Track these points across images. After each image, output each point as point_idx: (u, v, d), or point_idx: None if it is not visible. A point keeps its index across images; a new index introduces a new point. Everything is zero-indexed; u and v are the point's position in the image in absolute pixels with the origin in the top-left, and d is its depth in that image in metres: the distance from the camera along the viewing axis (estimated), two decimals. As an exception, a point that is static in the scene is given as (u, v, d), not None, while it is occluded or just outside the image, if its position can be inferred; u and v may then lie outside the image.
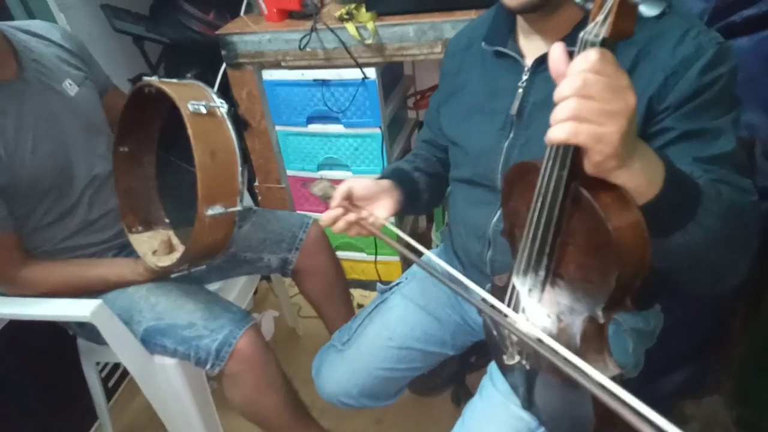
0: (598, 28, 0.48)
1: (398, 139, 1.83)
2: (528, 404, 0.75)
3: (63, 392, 1.46)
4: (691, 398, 1.38)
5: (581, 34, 0.50)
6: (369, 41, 1.40)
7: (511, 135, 0.84)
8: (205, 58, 1.65)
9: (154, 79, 0.99)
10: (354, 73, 1.48)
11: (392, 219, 1.70)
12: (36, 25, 1.15)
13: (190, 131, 0.88)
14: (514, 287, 0.68)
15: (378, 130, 1.57)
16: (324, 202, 0.86)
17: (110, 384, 1.62)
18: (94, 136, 1.15)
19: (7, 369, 1.34)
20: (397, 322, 1.06)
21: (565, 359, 0.50)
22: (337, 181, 0.87)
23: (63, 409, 1.49)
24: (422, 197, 1.01)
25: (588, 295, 0.58)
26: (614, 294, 0.55)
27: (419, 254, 0.75)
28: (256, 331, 1.11)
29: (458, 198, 1.00)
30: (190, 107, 0.91)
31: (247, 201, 1.63)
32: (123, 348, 1.08)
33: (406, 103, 1.96)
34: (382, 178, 0.95)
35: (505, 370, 0.84)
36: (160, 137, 1.17)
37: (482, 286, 0.67)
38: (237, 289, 1.37)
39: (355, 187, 0.85)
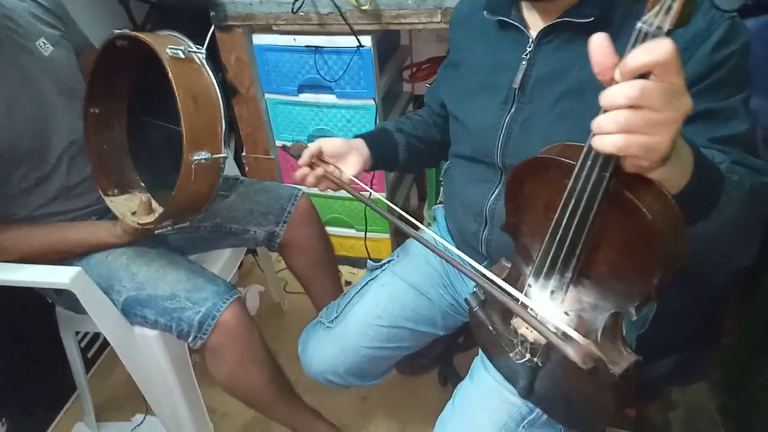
0: (660, 18, 0.43)
1: (392, 112, 1.78)
2: (527, 394, 0.72)
3: (41, 362, 1.42)
4: (677, 385, 1.39)
5: (638, 25, 0.44)
6: (365, 7, 1.34)
7: (512, 109, 0.81)
8: (192, 20, 1.57)
9: (127, 31, 0.93)
10: (349, 41, 1.42)
11: (381, 195, 1.67)
12: None
13: (170, 74, 0.84)
14: (528, 287, 0.66)
15: (372, 102, 1.52)
16: (298, 160, 0.91)
17: (89, 354, 1.59)
18: (71, 100, 1.08)
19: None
20: (387, 300, 1.03)
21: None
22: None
23: (41, 379, 1.45)
24: (399, 158, 1.01)
25: (620, 293, 0.57)
26: (652, 291, 0.53)
27: (413, 227, 0.74)
28: (241, 305, 1.07)
29: (456, 174, 0.97)
30: (169, 51, 0.87)
31: (234, 171, 1.58)
32: (103, 318, 1.04)
33: (402, 75, 1.90)
34: (358, 136, 0.97)
35: (500, 366, 0.83)
36: (133, 97, 1.11)
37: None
38: (221, 261, 1.33)
39: (324, 145, 0.90)
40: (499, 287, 0.61)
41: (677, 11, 0.42)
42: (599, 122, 0.46)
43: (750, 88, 0.68)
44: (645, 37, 0.44)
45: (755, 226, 0.65)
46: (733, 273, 1.15)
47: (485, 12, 0.83)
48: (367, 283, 1.08)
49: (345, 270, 1.90)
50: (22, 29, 1.03)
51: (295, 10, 1.40)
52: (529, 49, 0.78)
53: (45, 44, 1.05)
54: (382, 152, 0.98)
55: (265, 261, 1.66)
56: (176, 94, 0.84)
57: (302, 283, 1.41)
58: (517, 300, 0.60)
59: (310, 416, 1.26)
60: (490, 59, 0.85)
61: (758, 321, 1.20)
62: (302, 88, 1.56)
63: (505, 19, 0.80)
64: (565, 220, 0.56)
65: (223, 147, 0.93)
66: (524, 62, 0.78)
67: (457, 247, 1.01)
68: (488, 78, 0.84)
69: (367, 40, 1.42)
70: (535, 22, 0.78)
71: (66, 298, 1.10)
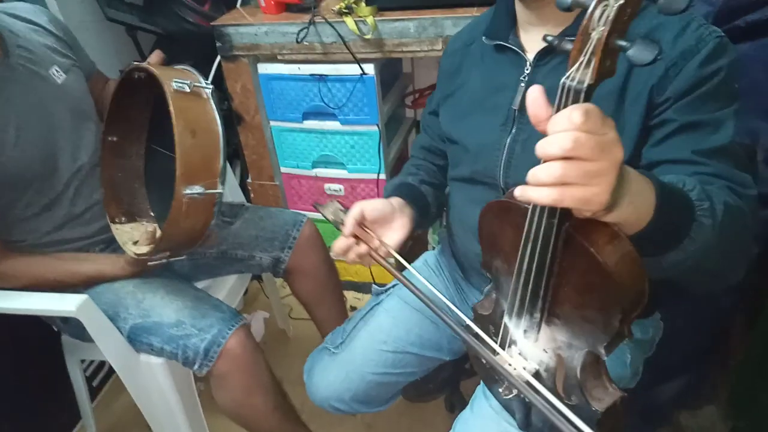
0: (581, 73, 0.45)
1: (396, 137, 1.80)
2: (525, 425, 0.72)
3: (46, 390, 1.42)
4: (687, 408, 1.36)
5: (563, 80, 0.46)
6: (368, 36, 1.37)
7: (513, 130, 0.82)
8: (199, 50, 1.61)
9: (143, 64, 0.95)
10: (352, 69, 1.45)
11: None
12: (22, 7, 1.11)
13: (171, 107, 0.85)
14: (505, 325, 0.66)
15: (375, 128, 1.54)
16: (337, 227, 0.84)
17: (95, 383, 1.58)
18: (81, 124, 1.11)
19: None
20: (392, 325, 1.03)
21: (554, 407, 0.50)
22: (334, 180, 0.85)
23: (45, 407, 1.44)
24: (431, 211, 0.98)
25: (588, 333, 0.57)
26: (619, 330, 0.53)
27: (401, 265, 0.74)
28: (246, 331, 1.08)
29: (457, 198, 0.98)
30: (174, 85, 0.89)
31: (240, 197, 1.59)
32: (108, 345, 1.04)
33: (405, 101, 1.93)
34: (389, 196, 0.91)
35: (497, 395, 0.82)
36: (150, 128, 1.13)
37: (481, 291, 0.65)
38: (227, 288, 1.33)
39: (366, 210, 0.82)
40: (475, 336, 0.61)
41: (595, 67, 0.44)
42: (534, 173, 0.46)
43: (738, 103, 0.69)
44: (569, 92, 0.45)
45: (741, 244, 0.65)
46: (739, 291, 1.15)
47: (484, 37, 0.86)
48: (372, 308, 1.08)
49: (350, 295, 1.89)
50: (37, 57, 1.05)
51: (299, 40, 1.43)
52: (527, 71, 0.80)
53: (58, 72, 1.08)
54: (420, 207, 0.93)
55: (270, 287, 1.66)
56: (174, 127, 0.85)
57: (307, 309, 1.41)
58: (493, 349, 0.61)
59: (315, 443, 1.25)
60: (489, 82, 0.86)
61: (765, 340, 1.19)
62: (306, 116, 1.59)
63: (503, 43, 0.82)
64: (526, 262, 0.56)
65: (219, 184, 0.92)
66: (522, 84, 0.80)
67: (462, 270, 1.02)
68: (487, 100, 0.86)
69: (370, 68, 1.44)
70: (531, 45, 0.80)
71: (72, 325, 1.10)
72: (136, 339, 1.05)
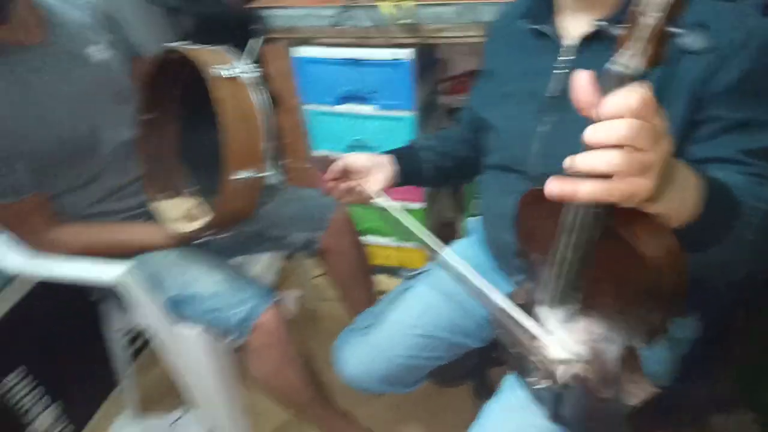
0: (632, 59, 0.43)
1: (429, 124, 1.80)
2: (555, 418, 0.72)
3: (90, 352, 1.48)
4: (720, 412, 1.34)
5: (610, 66, 0.44)
6: (405, 21, 1.37)
7: (547, 119, 0.81)
8: (237, 33, 1.64)
9: (177, 45, 0.98)
10: (388, 54, 1.46)
11: (419, 205, 1.69)
12: None
13: (213, 94, 0.87)
14: (540, 316, 0.66)
15: (410, 114, 1.55)
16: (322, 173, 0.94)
17: (133, 349, 1.62)
18: (121, 103, 1.15)
19: (30, 329, 1.37)
20: (422, 309, 1.04)
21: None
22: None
23: (89, 368, 1.51)
24: (425, 174, 1.03)
25: (625, 327, 0.56)
26: (655, 327, 0.53)
27: (436, 250, 0.75)
28: (279, 308, 1.11)
29: (489, 186, 0.98)
30: (215, 70, 0.90)
31: (276, 177, 1.62)
32: (147, 314, 1.09)
33: (440, 88, 1.93)
34: (383, 154, 0.99)
35: (527, 386, 0.82)
36: (186, 105, 1.16)
37: (514, 280, 0.65)
38: (261, 265, 1.37)
39: (348, 161, 0.93)
40: (513, 318, 0.61)
41: (649, 53, 0.42)
42: (580, 161, 0.43)
43: None
44: (620, 78, 0.43)
45: None
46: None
47: (520, 21, 0.85)
48: (402, 292, 1.09)
49: (380, 279, 1.91)
50: (77, 36, 1.09)
51: (335, 24, 1.44)
52: (564, 58, 0.79)
53: (98, 50, 1.11)
54: (408, 169, 1.00)
55: (302, 267, 1.70)
56: (219, 114, 0.87)
57: (338, 290, 1.44)
58: (529, 332, 0.61)
59: (344, 420, 1.28)
60: (523, 68, 0.86)
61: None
62: (341, 99, 1.60)
63: (539, 28, 0.81)
64: (563, 252, 0.55)
65: (266, 165, 0.96)
66: (560, 71, 0.79)
67: (494, 260, 1.02)
68: (521, 86, 0.85)
69: (406, 53, 1.45)
70: (570, 32, 0.79)
71: (113, 293, 1.15)
72: (175, 309, 1.10)
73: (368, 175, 0.94)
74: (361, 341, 1.07)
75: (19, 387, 1.33)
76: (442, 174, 1.06)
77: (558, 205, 0.54)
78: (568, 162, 0.44)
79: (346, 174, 0.93)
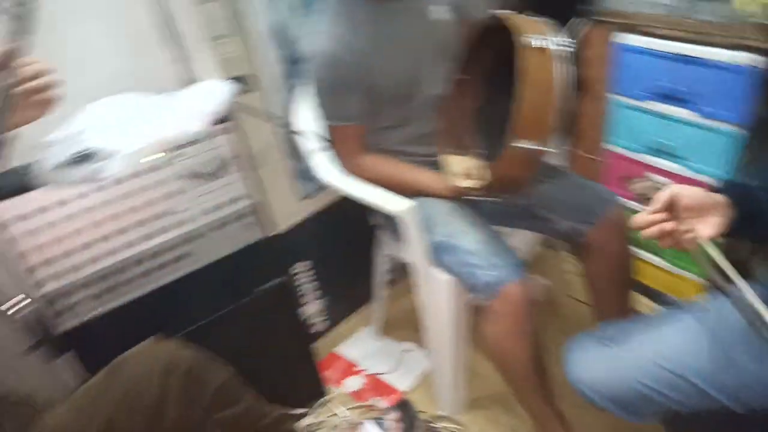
0: None
1: (762, 148, 1.52)
2: None
3: (354, 269, 1.73)
4: None
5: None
6: (759, 20, 1.18)
7: None
8: (566, 11, 1.63)
9: (502, 11, 1.03)
10: (726, 56, 1.27)
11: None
12: None
13: (522, 61, 0.90)
14: None
15: (735, 129, 1.34)
16: (642, 203, 0.81)
17: (390, 277, 1.82)
18: (444, 60, 1.27)
19: (323, 232, 1.66)
20: (680, 344, 0.93)
21: None
22: (663, 172, 0.79)
23: (349, 282, 1.78)
24: (763, 223, 0.84)
25: None
26: None
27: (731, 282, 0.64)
28: (527, 285, 1.13)
29: None
30: (526, 38, 0.93)
31: (559, 157, 1.61)
32: (413, 250, 1.23)
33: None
34: (716, 191, 0.83)
35: None
36: (497, 72, 1.22)
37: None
38: (518, 240, 1.40)
39: (682, 195, 0.78)
40: None
41: None
42: None
43: None
44: None
45: None
46: None
47: None
48: (664, 318, 1.00)
49: (637, 298, 1.76)
50: None
51: (673, 14, 1.32)
52: None
53: (439, 9, 1.26)
54: (746, 212, 0.83)
55: (556, 258, 1.67)
56: (519, 81, 0.90)
57: (590, 292, 1.37)
58: None
59: (555, 416, 1.26)
60: None
61: None
62: (655, 96, 1.48)
63: None
64: None
65: (551, 142, 0.95)
66: None
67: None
68: None
69: (750, 59, 1.24)
70: None
71: (390, 223, 1.33)
72: (436, 253, 1.21)
73: (701, 216, 0.80)
74: (599, 350, 1.02)
75: (302, 275, 1.65)
76: None
77: None
78: None
79: (670, 209, 0.80)
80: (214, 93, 1.07)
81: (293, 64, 1.43)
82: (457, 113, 1.28)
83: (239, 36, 1.31)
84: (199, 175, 1.16)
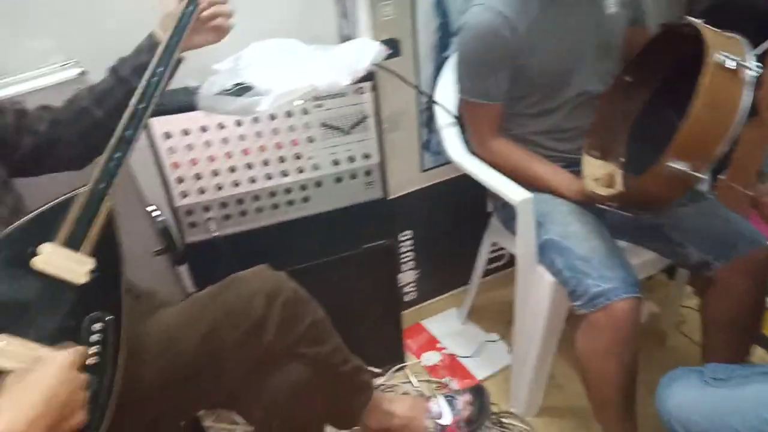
0: None
1: None
2: None
3: (457, 249, 1.73)
4: None
5: None
6: None
7: None
8: (752, 26, 1.46)
9: (697, 21, 0.95)
10: None
11: None
12: None
13: (704, 78, 0.83)
14: None
15: None
16: None
17: (492, 265, 1.82)
18: (602, 57, 1.21)
19: (431, 206, 1.67)
20: None
21: None
22: None
23: (447, 261, 1.79)
24: None
25: None
26: None
27: None
28: (637, 305, 1.07)
29: None
30: (718, 57, 0.85)
31: (706, 184, 1.48)
32: (524, 243, 1.21)
33: None
34: None
35: None
36: (666, 80, 1.14)
37: None
38: (641, 260, 1.31)
39: None
40: None
41: None
42: None
43: None
44: None
45: None
46: None
47: None
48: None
49: (756, 350, 1.59)
50: None
51: None
52: None
53: (612, 4, 1.19)
54: None
55: (676, 289, 1.55)
56: (696, 97, 0.83)
57: (704, 330, 1.26)
58: None
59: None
60: None
61: None
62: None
63: None
64: None
65: (707, 168, 0.88)
66: None
67: None
68: None
69: None
70: None
71: (504, 212, 1.31)
72: (545, 251, 1.18)
73: None
74: (701, 387, 0.95)
75: (405, 244, 1.69)
76: None
77: None
78: None
79: None
80: (364, 51, 1.11)
81: (448, 36, 1.43)
82: (611, 115, 1.21)
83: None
84: (334, 127, 1.22)
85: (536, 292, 1.24)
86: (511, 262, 1.79)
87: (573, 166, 1.25)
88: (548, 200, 1.21)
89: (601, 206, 1.12)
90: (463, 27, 1.22)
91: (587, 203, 1.18)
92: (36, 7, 1.10)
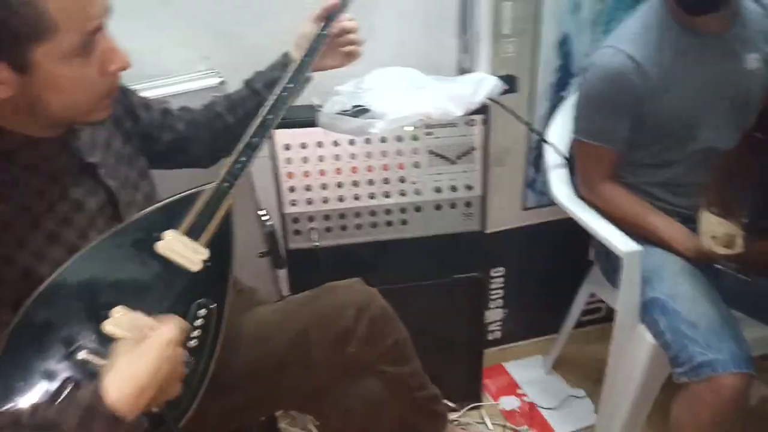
0: None
1: None
2: None
3: (552, 295, 1.64)
4: None
5: None
6: None
7: None
8: None
9: None
10: None
11: None
12: None
13: None
14: None
15: None
16: None
17: (586, 318, 1.71)
18: (737, 113, 1.14)
19: (534, 243, 1.63)
20: None
21: None
22: None
23: (541, 306, 1.72)
24: None
25: None
26: None
27: None
28: (748, 384, 0.97)
29: None
30: None
31: None
32: (626, 298, 1.14)
33: None
34: None
35: None
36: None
37: None
38: (757, 334, 1.17)
39: None
40: None
41: None
42: None
43: None
44: None
45: None
46: None
47: None
48: None
49: None
50: (747, 39, 1.12)
51: None
52: None
53: (753, 59, 1.12)
54: None
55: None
56: None
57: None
58: None
59: None
60: None
61: None
62: None
63: None
64: None
65: None
66: None
67: None
68: None
69: None
70: None
71: (608, 262, 1.25)
72: (648, 309, 1.11)
73: None
74: None
75: (496, 280, 1.65)
76: None
77: None
78: None
79: None
80: (481, 85, 1.13)
81: (568, 77, 1.41)
82: (737, 172, 1.13)
83: (525, 38, 1.34)
84: (441, 155, 1.25)
85: (634, 352, 1.16)
86: (608, 316, 1.68)
87: (688, 222, 1.17)
88: (658, 255, 1.14)
89: (717, 266, 1.04)
90: (589, 67, 1.20)
91: (702, 263, 1.10)
92: (188, 20, 1.24)
